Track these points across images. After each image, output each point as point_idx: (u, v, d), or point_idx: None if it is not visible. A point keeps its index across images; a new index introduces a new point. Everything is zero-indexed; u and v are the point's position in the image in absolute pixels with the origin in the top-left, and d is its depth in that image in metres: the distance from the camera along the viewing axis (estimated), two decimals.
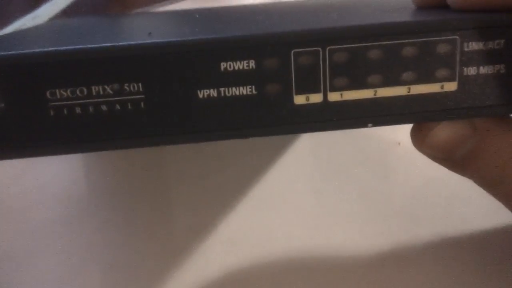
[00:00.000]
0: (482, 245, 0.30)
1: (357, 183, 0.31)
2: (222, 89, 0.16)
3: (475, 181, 0.19)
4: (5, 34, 0.22)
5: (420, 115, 0.17)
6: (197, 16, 0.24)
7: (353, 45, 0.16)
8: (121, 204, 0.30)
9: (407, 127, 0.19)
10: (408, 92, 0.16)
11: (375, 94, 0.16)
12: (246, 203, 0.31)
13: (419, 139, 0.18)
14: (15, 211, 0.30)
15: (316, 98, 0.16)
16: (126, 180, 0.31)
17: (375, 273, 0.29)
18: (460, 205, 0.30)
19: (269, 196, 0.31)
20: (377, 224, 0.30)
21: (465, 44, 0.16)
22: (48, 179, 0.30)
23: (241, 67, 0.16)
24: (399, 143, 0.31)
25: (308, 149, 0.31)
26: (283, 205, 0.31)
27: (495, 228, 0.30)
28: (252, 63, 0.16)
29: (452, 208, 0.30)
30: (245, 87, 0.16)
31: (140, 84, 0.16)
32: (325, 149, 0.31)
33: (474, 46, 0.16)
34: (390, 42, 0.16)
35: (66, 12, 0.34)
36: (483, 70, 0.16)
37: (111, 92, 0.15)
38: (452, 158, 0.18)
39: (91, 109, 0.16)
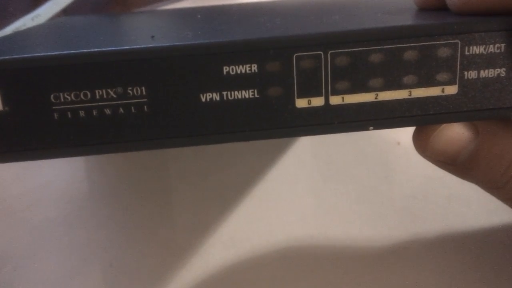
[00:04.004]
0: (481, 244, 0.30)
1: (357, 182, 0.31)
2: (224, 93, 0.16)
3: (479, 185, 0.19)
4: (7, 35, 0.22)
5: (420, 118, 0.17)
6: (199, 16, 0.24)
7: (354, 49, 0.16)
8: (122, 204, 0.31)
9: (408, 128, 0.19)
10: (409, 95, 0.16)
11: (376, 98, 0.16)
12: (246, 203, 0.31)
13: (421, 144, 0.18)
14: (16, 211, 0.30)
15: (317, 101, 0.16)
16: (127, 179, 0.31)
17: (375, 272, 0.30)
18: (459, 204, 0.31)
19: (270, 196, 0.31)
20: (377, 223, 0.30)
21: (466, 48, 0.16)
22: (49, 178, 0.31)
23: (243, 71, 0.16)
24: (398, 143, 0.31)
25: (308, 149, 0.31)
26: (284, 205, 0.31)
27: (494, 227, 0.30)
28: (254, 67, 0.16)
29: (451, 208, 0.31)
30: (247, 91, 0.16)
31: (143, 88, 0.16)
32: (325, 149, 0.31)
33: (475, 50, 0.16)
34: (391, 46, 0.16)
35: (66, 11, 0.34)
36: (483, 73, 0.16)
37: (114, 95, 0.16)
38: (455, 162, 0.18)
39: (94, 112, 0.16)
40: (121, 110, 0.16)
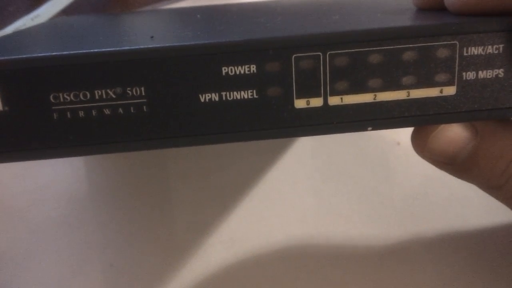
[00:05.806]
0: (481, 244, 0.30)
1: (357, 183, 0.31)
2: (223, 93, 0.16)
3: (478, 185, 0.19)
4: (7, 35, 0.22)
5: (419, 118, 0.17)
6: (199, 16, 0.24)
7: (353, 50, 0.16)
8: (121, 204, 0.31)
9: (407, 128, 0.19)
10: (408, 96, 0.17)
11: (375, 98, 0.16)
12: (246, 203, 0.31)
13: (420, 145, 0.18)
14: (16, 211, 0.30)
15: (316, 102, 0.16)
16: (126, 179, 0.31)
17: (375, 272, 0.30)
18: (459, 204, 0.31)
19: (270, 196, 0.31)
20: (377, 223, 0.30)
21: (464, 49, 0.16)
22: (49, 179, 0.31)
23: (242, 71, 0.16)
24: (398, 143, 0.31)
25: (308, 149, 0.31)
26: (284, 205, 0.31)
27: (493, 227, 0.30)
28: (253, 68, 0.16)
29: (451, 208, 0.31)
30: (246, 91, 0.16)
31: (142, 88, 0.16)
32: (325, 149, 0.31)
33: (473, 51, 0.16)
34: (390, 47, 0.16)
35: (66, 11, 0.34)
36: (482, 74, 0.16)
37: (114, 96, 0.16)
38: (454, 162, 0.18)
39: (94, 112, 0.16)
40: (120, 110, 0.16)
